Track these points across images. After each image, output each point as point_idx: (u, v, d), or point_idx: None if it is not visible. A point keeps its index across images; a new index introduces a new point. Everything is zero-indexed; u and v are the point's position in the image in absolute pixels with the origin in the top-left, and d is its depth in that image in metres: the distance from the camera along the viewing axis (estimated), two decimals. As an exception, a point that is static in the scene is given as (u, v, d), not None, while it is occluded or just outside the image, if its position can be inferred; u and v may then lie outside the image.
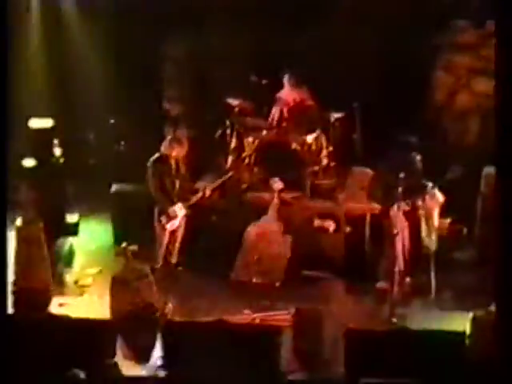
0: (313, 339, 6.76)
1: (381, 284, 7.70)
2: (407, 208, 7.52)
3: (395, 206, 7.54)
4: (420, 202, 7.60)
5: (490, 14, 9.51)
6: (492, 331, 6.16)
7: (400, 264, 7.52)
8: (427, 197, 7.57)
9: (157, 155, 8.02)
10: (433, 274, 7.74)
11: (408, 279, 7.68)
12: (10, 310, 7.13)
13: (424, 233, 7.69)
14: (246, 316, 7.34)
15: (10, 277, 7.26)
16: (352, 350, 5.62)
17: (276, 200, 8.43)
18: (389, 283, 7.57)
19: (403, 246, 7.57)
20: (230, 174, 8.63)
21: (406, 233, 7.57)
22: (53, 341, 5.57)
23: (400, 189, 7.49)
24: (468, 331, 6.24)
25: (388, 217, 7.59)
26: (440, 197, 7.59)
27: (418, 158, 7.65)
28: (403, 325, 7.20)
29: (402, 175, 7.48)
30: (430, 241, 7.71)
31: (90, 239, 8.90)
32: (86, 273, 8.24)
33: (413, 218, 7.61)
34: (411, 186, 7.56)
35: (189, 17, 9.99)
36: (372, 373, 5.41)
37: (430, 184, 7.54)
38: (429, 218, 7.65)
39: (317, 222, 8.74)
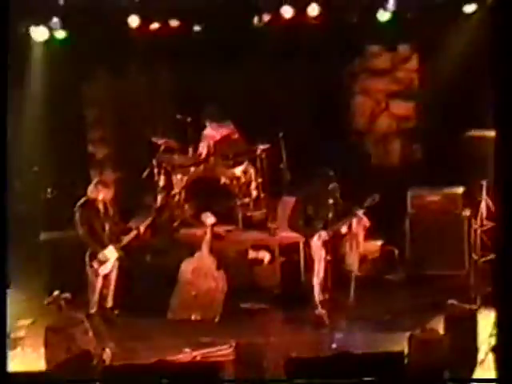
0: (255, 372, 6.72)
1: (319, 311, 7.74)
2: (327, 238, 7.62)
3: (315, 236, 7.65)
4: (345, 229, 7.70)
5: (402, 39, 9.86)
6: (429, 348, 6.30)
7: (324, 290, 7.61)
8: (354, 222, 7.68)
9: (83, 200, 7.93)
10: (352, 294, 7.78)
11: (322, 311, 7.70)
12: None
13: (350, 258, 7.80)
14: (186, 354, 7.26)
15: None
16: (294, 378, 5.60)
17: (209, 235, 8.42)
18: (324, 309, 7.62)
19: (325, 273, 7.65)
20: (162, 211, 8.59)
21: (327, 261, 7.65)
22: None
23: (322, 218, 7.60)
24: (406, 351, 6.32)
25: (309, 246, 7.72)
26: (366, 221, 7.70)
27: (336, 187, 7.76)
28: (343, 350, 7.23)
29: (324, 203, 7.60)
30: (354, 265, 7.82)
31: (21, 290, 8.69)
32: (18, 325, 8.02)
33: (334, 246, 7.72)
34: (333, 214, 7.67)
35: (109, 57, 9.96)
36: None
37: (359, 210, 7.65)
38: (355, 242, 7.76)
39: (251, 254, 8.77)
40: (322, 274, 7.66)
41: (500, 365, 5.07)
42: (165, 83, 10.27)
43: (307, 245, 7.87)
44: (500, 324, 5.02)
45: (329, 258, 7.66)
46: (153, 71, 10.23)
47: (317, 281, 7.71)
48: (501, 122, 4.93)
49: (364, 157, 10.13)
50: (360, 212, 7.63)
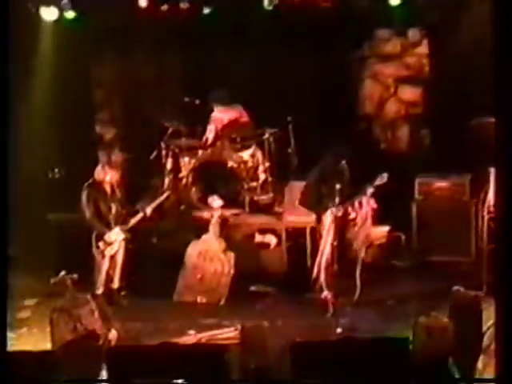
0: (260, 355, 6.75)
1: (325, 294, 7.73)
2: (339, 214, 7.60)
3: (328, 212, 7.63)
4: (351, 209, 7.68)
5: (413, 24, 9.80)
6: (433, 335, 6.30)
7: (332, 269, 7.61)
8: (363, 203, 7.67)
9: (90, 181, 7.95)
10: (358, 278, 7.77)
11: (327, 294, 7.69)
12: None
13: (357, 239, 7.79)
14: (191, 337, 7.28)
15: None
16: (298, 363, 5.62)
17: (216, 218, 8.43)
18: (331, 293, 7.62)
19: (332, 252, 7.64)
20: (168, 192, 8.61)
21: (337, 239, 7.64)
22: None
23: (333, 197, 7.58)
24: (411, 337, 6.33)
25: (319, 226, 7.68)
26: (374, 203, 7.70)
27: (346, 166, 7.76)
28: (348, 334, 7.24)
29: (335, 184, 7.58)
30: (361, 248, 7.81)
31: (28, 270, 8.72)
32: (24, 305, 8.06)
33: (344, 225, 7.70)
34: (344, 194, 7.66)
35: (118, 39, 9.94)
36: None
37: (369, 189, 7.64)
38: (363, 224, 7.75)
39: (258, 238, 8.78)
40: (329, 254, 7.61)
41: (499, 353, 5.07)
42: (174, 65, 10.24)
43: (317, 224, 7.79)
44: (499, 313, 5.02)
45: (336, 240, 7.63)
46: (162, 53, 10.20)
47: (323, 261, 7.67)
48: (501, 108, 4.91)
49: (372, 142, 10.09)
50: (370, 190, 7.62)
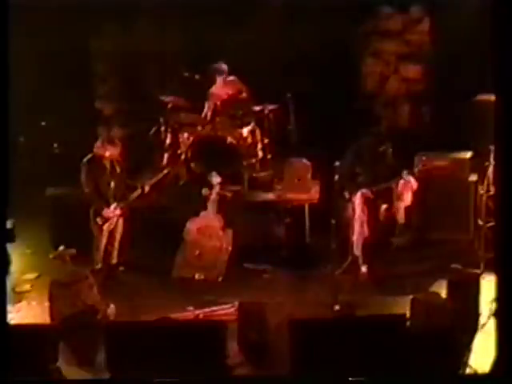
0: (258, 332, 6.77)
1: (338, 271, 7.68)
2: (370, 195, 7.56)
3: (358, 193, 7.59)
4: (384, 187, 7.63)
5: (414, 0, 9.73)
6: (431, 312, 6.33)
7: (356, 250, 7.60)
8: (400, 183, 7.62)
9: (89, 156, 7.92)
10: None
11: (364, 268, 7.71)
12: None
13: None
14: (189, 313, 7.30)
15: None
16: (296, 339, 5.64)
17: (214, 194, 8.42)
18: (343, 269, 7.61)
19: (361, 232, 7.63)
20: (167, 170, 8.59)
21: (365, 220, 7.61)
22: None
23: (361, 177, 7.54)
24: (408, 314, 6.35)
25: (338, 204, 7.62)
26: (414, 184, 7.64)
27: (388, 147, 7.71)
28: (346, 311, 7.26)
29: (372, 162, 7.53)
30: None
31: (27, 244, 8.73)
32: (23, 279, 8.08)
33: (374, 206, 7.66)
34: (378, 173, 7.61)
35: (117, 13, 9.86)
36: (317, 361, 5.45)
37: (405, 171, 7.60)
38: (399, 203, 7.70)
39: (256, 215, 8.77)
40: (366, 231, 7.57)
41: (500, 330, 5.09)
42: (173, 40, 10.16)
43: (348, 203, 7.72)
44: (501, 289, 5.04)
45: (366, 217, 7.57)
46: (162, 27, 10.12)
47: (358, 239, 7.61)
48: (501, 86, 4.88)
49: (373, 119, 10.05)
50: (407, 176, 7.56)
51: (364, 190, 7.53)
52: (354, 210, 7.60)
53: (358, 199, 7.56)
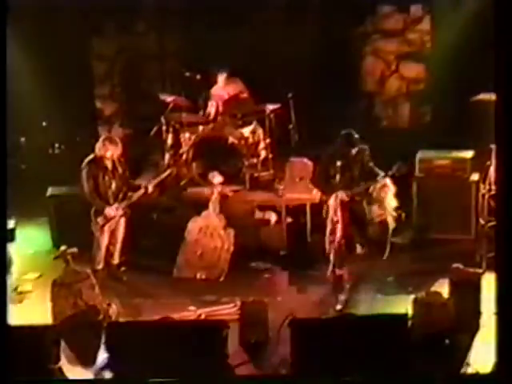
0: (259, 331, 6.78)
1: (339, 271, 7.65)
2: (346, 198, 7.54)
3: (333, 195, 7.58)
4: (359, 190, 7.62)
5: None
6: (432, 311, 6.33)
7: (329, 252, 7.58)
8: (377, 186, 7.59)
9: (91, 157, 7.92)
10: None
11: (341, 271, 7.67)
12: None
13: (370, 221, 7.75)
14: (191, 312, 7.31)
15: None
16: (298, 339, 5.65)
17: (216, 194, 8.42)
18: (342, 270, 7.60)
19: (333, 235, 7.60)
20: (170, 170, 8.60)
21: (340, 222, 7.58)
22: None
23: (338, 178, 7.52)
24: (410, 313, 6.35)
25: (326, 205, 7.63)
26: (389, 187, 7.62)
27: (363, 149, 7.67)
28: (347, 311, 7.27)
29: (339, 164, 7.52)
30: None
31: (28, 244, 8.74)
32: (24, 279, 8.09)
33: (351, 208, 7.65)
34: (354, 176, 7.60)
35: (118, 13, 9.88)
36: (318, 361, 5.46)
37: (382, 173, 7.58)
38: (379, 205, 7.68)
39: (258, 215, 8.78)
40: (338, 233, 7.57)
41: (502, 329, 5.10)
42: (174, 39, 10.18)
43: (324, 204, 7.73)
44: (502, 289, 5.04)
45: (341, 220, 7.56)
46: (162, 27, 10.14)
47: (331, 240, 7.61)
48: (502, 85, 4.88)
49: (374, 119, 10.07)
50: (383, 179, 7.53)
51: (339, 193, 7.51)
52: (327, 212, 7.59)
53: (333, 201, 7.55)
